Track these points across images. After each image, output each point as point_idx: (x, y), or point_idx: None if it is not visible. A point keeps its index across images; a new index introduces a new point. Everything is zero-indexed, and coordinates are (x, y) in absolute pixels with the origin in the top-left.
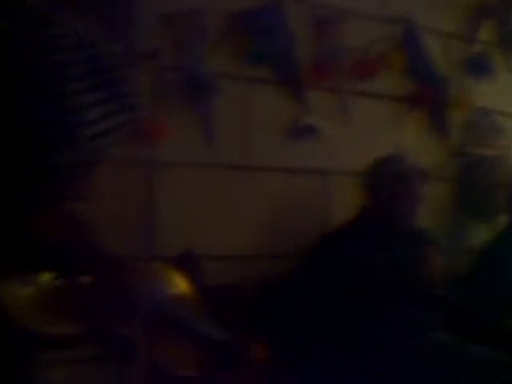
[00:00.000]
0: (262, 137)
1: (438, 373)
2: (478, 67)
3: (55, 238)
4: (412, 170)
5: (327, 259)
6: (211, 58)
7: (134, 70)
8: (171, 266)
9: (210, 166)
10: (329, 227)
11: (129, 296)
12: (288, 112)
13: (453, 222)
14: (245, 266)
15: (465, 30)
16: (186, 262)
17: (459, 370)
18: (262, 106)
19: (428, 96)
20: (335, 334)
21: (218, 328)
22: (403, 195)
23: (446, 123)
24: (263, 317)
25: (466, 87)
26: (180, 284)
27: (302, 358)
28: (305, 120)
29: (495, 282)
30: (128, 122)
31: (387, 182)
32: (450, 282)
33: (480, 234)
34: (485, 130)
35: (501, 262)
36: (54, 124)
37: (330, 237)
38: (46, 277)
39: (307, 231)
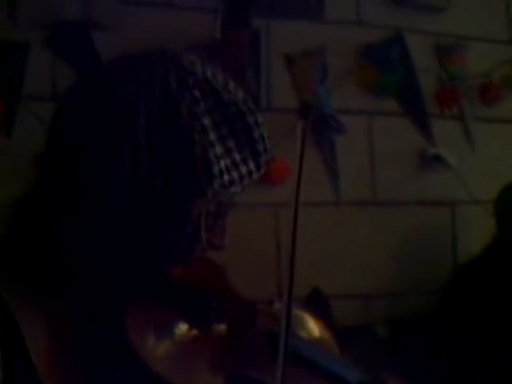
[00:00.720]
0: (387, 170)
1: None
2: None
3: (194, 285)
4: None
5: (463, 294)
6: (334, 96)
7: (261, 115)
8: (306, 310)
9: (336, 203)
10: (460, 259)
11: (264, 340)
12: (414, 143)
13: None
14: (374, 304)
15: None
16: (315, 302)
17: None
18: (387, 139)
19: None
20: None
21: (360, 372)
22: None
23: None
24: (400, 357)
25: None
26: (316, 327)
27: None
28: (431, 151)
29: None
30: (260, 168)
31: None
32: None
33: None
34: None
35: None
36: (189, 177)
37: (464, 270)
38: (183, 327)
39: (438, 265)
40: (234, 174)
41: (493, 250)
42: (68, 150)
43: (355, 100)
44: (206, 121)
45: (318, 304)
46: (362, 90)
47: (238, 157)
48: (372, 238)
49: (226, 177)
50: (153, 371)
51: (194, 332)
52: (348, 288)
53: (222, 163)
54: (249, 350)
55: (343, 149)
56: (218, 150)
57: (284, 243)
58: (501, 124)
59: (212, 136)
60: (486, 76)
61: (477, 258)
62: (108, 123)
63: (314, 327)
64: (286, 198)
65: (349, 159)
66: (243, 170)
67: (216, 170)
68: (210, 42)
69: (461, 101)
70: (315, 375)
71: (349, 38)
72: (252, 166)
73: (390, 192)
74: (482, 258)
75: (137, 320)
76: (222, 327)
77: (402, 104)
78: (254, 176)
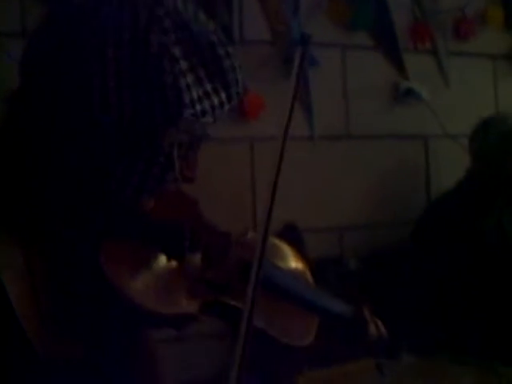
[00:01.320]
0: (360, 104)
1: None
2: None
3: (167, 217)
4: None
5: (436, 228)
6: (307, 29)
7: (233, 47)
8: (282, 240)
9: (309, 138)
10: (433, 192)
11: (238, 267)
12: (387, 77)
13: None
14: (348, 237)
15: None
16: (289, 236)
17: None
18: (360, 73)
19: None
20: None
21: (336, 301)
22: (507, 156)
23: None
24: (372, 289)
25: None
26: (292, 258)
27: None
28: (404, 84)
29: None
30: (231, 99)
31: (493, 143)
32: None
33: None
34: None
35: None
36: (159, 105)
37: (437, 205)
38: (157, 258)
39: (411, 198)
40: (206, 104)
41: (467, 183)
42: (39, 85)
43: (328, 33)
44: (176, 51)
45: (291, 238)
46: (335, 23)
47: (209, 87)
48: (346, 171)
49: (197, 106)
50: (129, 299)
51: (169, 262)
52: (322, 222)
53: (194, 92)
54: (223, 277)
55: (316, 83)
56: (189, 79)
57: (259, 177)
58: (474, 58)
59: (182, 65)
60: (459, 10)
61: (451, 191)
62: (77, 54)
63: (289, 257)
64: (260, 132)
65: (322, 93)
66: (215, 100)
67: (187, 98)
68: None
69: (434, 35)
70: (289, 302)
71: None
72: (223, 96)
73: (364, 126)
74: (456, 191)
75: (111, 252)
76: (197, 256)
77: (375, 38)
78: (226, 107)
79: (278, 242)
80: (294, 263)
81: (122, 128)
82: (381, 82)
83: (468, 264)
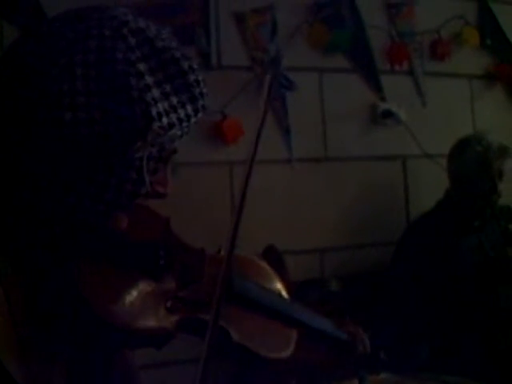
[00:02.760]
0: (338, 127)
1: None
2: None
3: (141, 237)
4: (493, 149)
5: (416, 249)
6: (284, 53)
7: (195, 61)
8: (261, 259)
9: (288, 160)
10: (412, 212)
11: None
12: (364, 99)
13: None
14: (329, 258)
15: None
16: (270, 258)
17: None
18: (337, 96)
19: (505, 72)
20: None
21: (317, 315)
22: (486, 175)
23: None
24: (353, 309)
25: None
26: (269, 274)
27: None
28: (381, 106)
29: None
30: (197, 112)
31: (469, 163)
32: None
33: None
34: None
35: None
36: (127, 120)
37: (417, 225)
38: (134, 277)
39: (390, 219)
40: (173, 117)
41: (446, 203)
42: (10, 101)
43: (305, 57)
44: (142, 67)
45: (272, 261)
46: (312, 47)
47: (175, 101)
48: (325, 193)
49: (164, 119)
50: (108, 320)
51: (145, 280)
52: (302, 244)
53: (160, 106)
54: (199, 294)
55: (294, 106)
56: (155, 93)
57: (237, 199)
58: (451, 78)
59: (148, 80)
60: (435, 32)
61: (430, 211)
62: (47, 74)
63: (267, 274)
64: (239, 157)
65: (300, 116)
66: (181, 113)
67: (154, 111)
68: (160, 1)
69: (411, 56)
70: (266, 316)
71: None
72: (190, 109)
73: (342, 148)
74: (435, 211)
75: (88, 274)
76: (172, 275)
77: (353, 60)
78: (192, 120)
79: (256, 260)
80: (272, 280)
81: (92, 144)
82: (358, 104)
83: (448, 284)
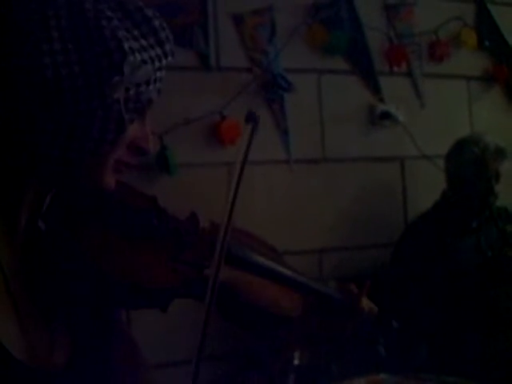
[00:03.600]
0: (337, 128)
1: None
2: None
3: (132, 202)
4: (490, 150)
5: (414, 249)
6: (283, 55)
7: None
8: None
9: (286, 161)
10: (410, 213)
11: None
12: (363, 101)
13: None
14: (327, 259)
15: None
16: None
17: None
18: (336, 97)
19: (503, 72)
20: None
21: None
22: (483, 176)
23: None
24: None
25: None
26: (269, 246)
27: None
28: (380, 107)
29: None
30: (167, 54)
31: (466, 165)
32: None
33: None
34: None
35: None
36: (103, 56)
37: (415, 226)
38: (138, 240)
39: (388, 220)
40: (145, 55)
41: (444, 204)
42: None
43: (304, 58)
44: (111, 14)
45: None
46: (311, 48)
47: (144, 43)
48: (323, 194)
49: (137, 55)
50: (115, 276)
51: (142, 240)
52: (300, 244)
53: (132, 43)
54: (199, 256)
55: (293, 107)
56: (126, 34)
57: (237, 201)
58: (449, 80)
59: (118, 24)
60: (433, 33)
61: (428, 212)
62: (24, 28)
63: (265, 243)
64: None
65: (299, 118)
66: (152, 53)
67: (126, 46)
68: (158, 2)
69: (409, 58)
70: (271, 279)
71: None
72: (159, 51)
73: (340, 149)
74: (432, 212)
75: (87, 234)
76: (167, 235)
77: (351, 62)
78: (163, 62)
79: (252, 233)
80: (271, 249)
81: (73, 87)
82: (357, 105)
83: (447, 284)
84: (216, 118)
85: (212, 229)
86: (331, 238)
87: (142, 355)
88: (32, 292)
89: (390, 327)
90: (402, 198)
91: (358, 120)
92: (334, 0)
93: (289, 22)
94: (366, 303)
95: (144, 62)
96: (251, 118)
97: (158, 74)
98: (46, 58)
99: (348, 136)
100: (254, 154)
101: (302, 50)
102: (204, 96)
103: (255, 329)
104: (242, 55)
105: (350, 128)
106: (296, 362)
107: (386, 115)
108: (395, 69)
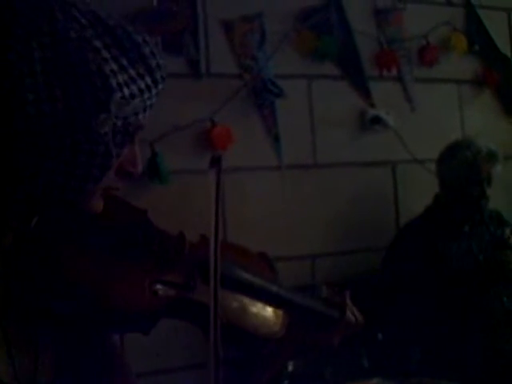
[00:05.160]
0: (327, 133)
1: None
2: None
3: (117, 222)
4: (482, 154)
5: (406, 254)
6: (273, 61)
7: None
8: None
9: (277, 167)
10: (402, 217)
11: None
12: (353, 106)
13: None
14: (320, 264)
15: None
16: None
17: None
18: (326, 103)
19: (493, 76)
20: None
21: (305, 295)
22: (475, 180)
23: None
24: None
25: None
26: (253, 258)
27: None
28: (370, 112)
29: None
30: (157, 82)
31: (458, 168)
32: None
33: None
34: None
35: None
36: (88, 94)
37: (406, 230)
38: (115, 257)
39: (380, 225)
40: (133, 88)
41: (436, 208)
42: None
43: (294, 64)
44: (97, 43)
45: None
46: (301, 54)
47: (133, 72)
48: (315, 200)
49: (125, 90)
50: (96, 300)
51: (126, 262)
52: (292, 250)
53: (119, 77)
54: (183, 276)
55: (284, 113)
56: (113, 66)
57: (226, 208)
58: (439, 84)
59: (105, 55)
60: (423, 37)
61: (420, 216)
62: (6, 60)
63: (248, 257)
64: (228, 164)
65: (289, 123)
66: (141, 84)
67: (114, 82)
68: (148, 9)
69: (399, 62)
70: (255, 297)
71: (287, 3)
72: (149, 80)
73: (331, 154)
74: (424, 216)
75: (69, 256)
76: (153, 255)
77: (341, 67)
78: (153, 91)
79: (238, 244)
80: (253, 262)
81: (57, 122)
82: (347, 110)
83: (438, 288)
84: (207, 125)
85: (201, 244)
86: (323, 243)
87: (134, 380)
88: (17, 315)
89: (375, 339)
90: (393, 203)
91: (348, 125)
92: (323, 5)
93: (278, 28)
94: (352, 315)
95: (132, 96)
96: (215, 161)
97: (148, 102)
98: (29, 94)
99: (339, 141)
100: (246, 160)
101: (292, 55)
102: (194, 102)
103: (239, 348)
104: (232, 61)
105: (340, 133)
106: (290, 368)
107: (376, 120)
108: (385, 73)
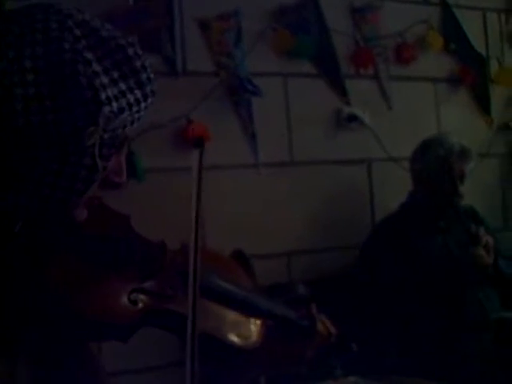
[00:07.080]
0: (303, 131)
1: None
2: None
3: (100, 231)
4: (455, 151)
5: (381, 250)
6: (250, 59)
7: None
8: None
9: (254, 165)
10: (377, 214)
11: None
12: (329, 104)
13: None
14: (295, 262)
15: (503, 3)
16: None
17: None
18: (302, 101)
19: (469, 75)
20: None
21: (281, 305)
22: (448, 177)
23: (489, 100)
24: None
25: (506, 63)
26: (229, 266)
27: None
28: (346, 110)
29: None
30: (147, 97)
31: (431, 165)
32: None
33: None
34: None
35: None
36: (78, 106)
37: (381, 227)
38: (97, 269)
39: (356, 222)
40: (123, 102)
41: (410, 205)
42: None
43: (270, 62)
44: (89, 55)
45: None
46: (277, 52)
47: (123, 86)
48: (291, 198)
49: (114, 104)
50: (74, 312)
51: (107, 273)
52: (269, 248)
53: (109, 91)
54: (162, 286)
55: (260, 111)
56: (104, 79)
57: (204, 205)
58: (415, 82)
59: (96, 68)
60: (399, 36)
61: (394, 213)
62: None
63: (233, 269)
64: (204, 162)
65: (266, 121)
66: (131, 98)
67: (103, 96)
68: (124, 8)
69: (376, 60)
70: (224, 306)
71: (263, 1)
72: (139, 94)
73: (308, 152)
74: (399, 213)
75: (50, 265)
76: (134, 266)
77: (317, 65)
78: (142, 105)
79: (214, 251)
80: (230, 270)
81: (45, 133)
82: (323, 108)
83: (415, 284)
84: (183, 123)
85: (181, 253)
86: (299, 240)
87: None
88: None
89: (350, 350)
90: (369, 200)
91: (324, 123)
92: (300, 4)
93: (255, 26)
94: (323, 326)
95: (121, 110)
96: (198, 144)
97: (137, 115)
98: (19, 104)
99: (315, 139)
100: (222, 158)
101: (269, 53)
102: (171, 100)
103: (213, 358)
104: (208, 60)
105: (317, 131)
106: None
107: (352, 118)
108: (362, 72)
